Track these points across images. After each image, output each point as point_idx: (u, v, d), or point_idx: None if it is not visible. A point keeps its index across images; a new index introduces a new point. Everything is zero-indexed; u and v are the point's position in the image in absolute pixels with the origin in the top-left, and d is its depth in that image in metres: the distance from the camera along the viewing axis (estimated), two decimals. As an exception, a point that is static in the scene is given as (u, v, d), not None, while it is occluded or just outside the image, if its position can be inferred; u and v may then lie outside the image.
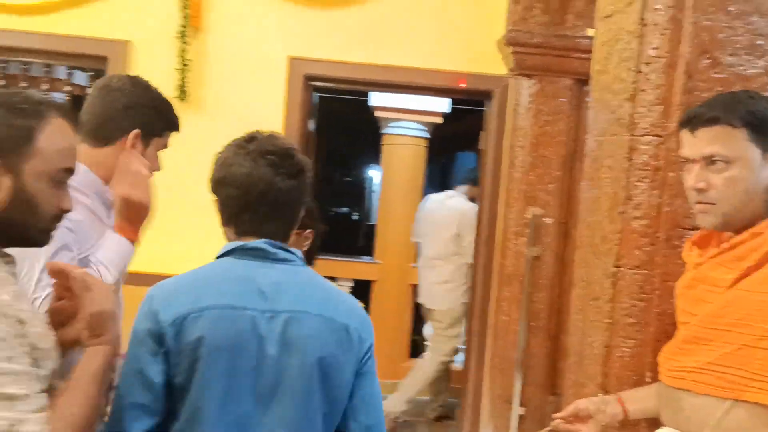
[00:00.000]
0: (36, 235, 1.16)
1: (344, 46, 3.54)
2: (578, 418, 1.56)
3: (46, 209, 1.14)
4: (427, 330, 5.53)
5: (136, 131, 1.73)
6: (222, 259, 1.39)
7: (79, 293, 1.19)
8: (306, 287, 1.38)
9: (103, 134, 1.73)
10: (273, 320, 1.31)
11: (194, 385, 1.27)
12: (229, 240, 1.43)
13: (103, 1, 3.48)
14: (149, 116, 1.77)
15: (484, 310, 3.63)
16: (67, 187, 1.17)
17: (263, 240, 1.37)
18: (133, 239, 1.69)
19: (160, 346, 1.28)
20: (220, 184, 1.39)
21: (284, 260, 1.38)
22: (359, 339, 1.39)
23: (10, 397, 0.99)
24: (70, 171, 1.17)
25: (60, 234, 1.30)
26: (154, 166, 1.80)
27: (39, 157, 1.10)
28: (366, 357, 1.41)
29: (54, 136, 1.13)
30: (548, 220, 3.25)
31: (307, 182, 1.43)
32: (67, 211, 1.18)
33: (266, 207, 1.37)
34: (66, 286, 1.21)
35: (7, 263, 1.14)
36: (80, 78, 4.50)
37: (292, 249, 1.41)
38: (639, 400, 1.56)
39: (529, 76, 3.23)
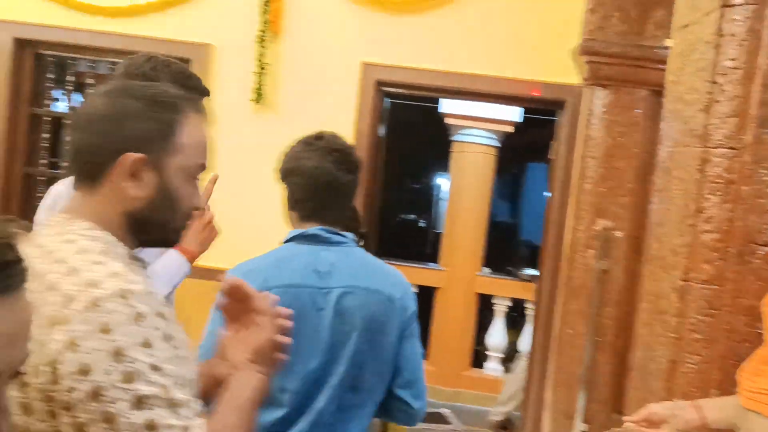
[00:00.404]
0: (171, 234, 1.12)
1: (417, 52, 3.57)
2: (650, 423, 1.52)
3: (184, 206, 1.09)
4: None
5: None
6: (286, 244, 1.62)
7: (266, 318, 1.12)
8: (356, 266, 1.61)
9: None
10: (328, 295, 1.55)
11: None
12: (293, 222, 1.65)
13: (188, 5, 3.64)
14: None
15: (548, 322, 3.58)
16: (198, 183, 1.12)
17: (319, 227, 1.59)
18: (193, 259, 1.74)
19: None
20: (290, 174, 1.61)
21: (338, 243, 1.60)
22: (402, 307, 1.62)
23: (176, 403, 0.91)
24: (203, 167, 1.12)
25: None
26: None
27: (180, 153, 1.06)
28: (409, 322, 1.64)
29: (193, 130, 1.08)
30: (619, 234, 3.18)
31: (360, 178, 1.67)
32: (198, 208, 1.13)
33: (328, 196, 1.60)
34: (231, 305, 1.15)
35: (142, 267, 1.09)
36: (164, 80, 4.66)
37: (344, 233, 1.62)
38: (720, 409, 1.49)
39: (603, 86, 3.18)
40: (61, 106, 4.07)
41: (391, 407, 1.67)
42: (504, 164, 6.49)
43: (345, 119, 3.58)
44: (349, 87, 3.59)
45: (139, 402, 0.88)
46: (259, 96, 3.56)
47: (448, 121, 5.73)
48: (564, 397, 3.30)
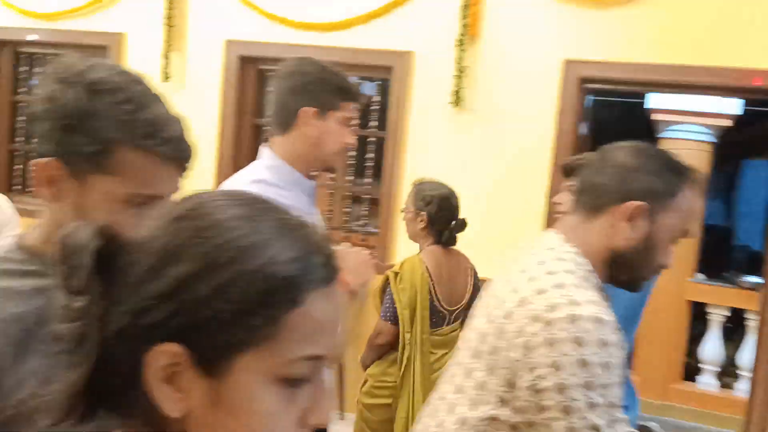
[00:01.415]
0: (638, 281, 1.27)
1: (622, 45, 3.40)
2: None
3: (657, 260, 1.24)
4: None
5: (304, 109, 1.73)
6: None
7: None
8: None
9: (280, 120, 1.78)
10: None
11: None
12: None
13: (390, 15, 3.79)
14: (315, 91, 1.75)
15: (777, 334, 3.23)
16: (672, 246, 1.26)
17: None
18: (347, 292, 1.78)
19: None
20: None
21: None
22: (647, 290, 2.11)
23: (616, 419, 1.08)
24: (686, 233, 1.27)
25: None
26: (339, 139, 1.77)
27: (673, 213, 1.22)
28: None
29: (689, 198, 1.23)
30: None
31: None
32: (665, 266, 1.27)
33: None
34: None
35: (606, 300, 1.20)
36: (368, 88, 4.87)
37: None
38: None
39: None
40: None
41: None
42: (722, 161, 5.94)
43: (545, 119, 3.51)
44: (549, 86, 3.51)
45: (591, 407, 1.05)
46: (458, 99, 3.60)
47: (655, 116, 5.38)
48: (795, 418, 2.95)
